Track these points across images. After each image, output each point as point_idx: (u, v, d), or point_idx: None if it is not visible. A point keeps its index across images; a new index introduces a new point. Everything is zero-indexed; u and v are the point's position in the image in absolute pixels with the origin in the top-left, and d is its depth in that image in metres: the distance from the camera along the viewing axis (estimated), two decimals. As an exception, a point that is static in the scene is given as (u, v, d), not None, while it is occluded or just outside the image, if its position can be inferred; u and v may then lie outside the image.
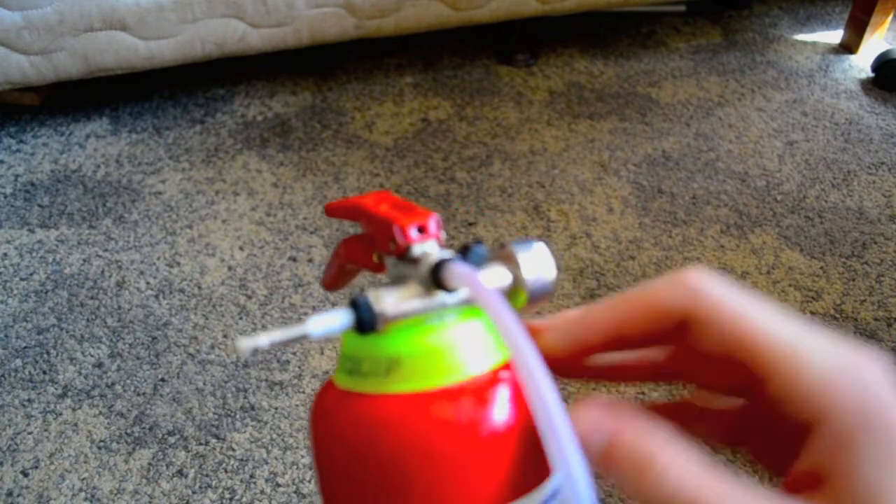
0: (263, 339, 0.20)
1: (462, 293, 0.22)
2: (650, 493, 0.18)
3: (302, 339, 0.21)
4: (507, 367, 0.23)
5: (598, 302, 0.22)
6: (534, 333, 0.22)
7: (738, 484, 0.18)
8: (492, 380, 0.22)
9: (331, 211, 0.29)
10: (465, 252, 0.23)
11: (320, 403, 0.24)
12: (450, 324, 0.22)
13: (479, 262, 0.23)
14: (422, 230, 0.23)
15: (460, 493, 0.21)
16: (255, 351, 0.20)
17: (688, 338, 0.21)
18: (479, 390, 0.21)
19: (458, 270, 0.21)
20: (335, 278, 0.32)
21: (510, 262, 0.23)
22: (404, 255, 0.23)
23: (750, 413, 0.23)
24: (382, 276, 0.26)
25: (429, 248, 0.23)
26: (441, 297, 0.22)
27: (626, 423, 0.19)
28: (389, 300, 0.22)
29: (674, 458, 0.18)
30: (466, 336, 0.22)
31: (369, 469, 0.22)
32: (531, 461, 0.22)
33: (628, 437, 0.19)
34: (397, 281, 0.23)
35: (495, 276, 0.23)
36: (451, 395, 0.21)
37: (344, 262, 0.30)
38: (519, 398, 0.22)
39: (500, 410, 0.21)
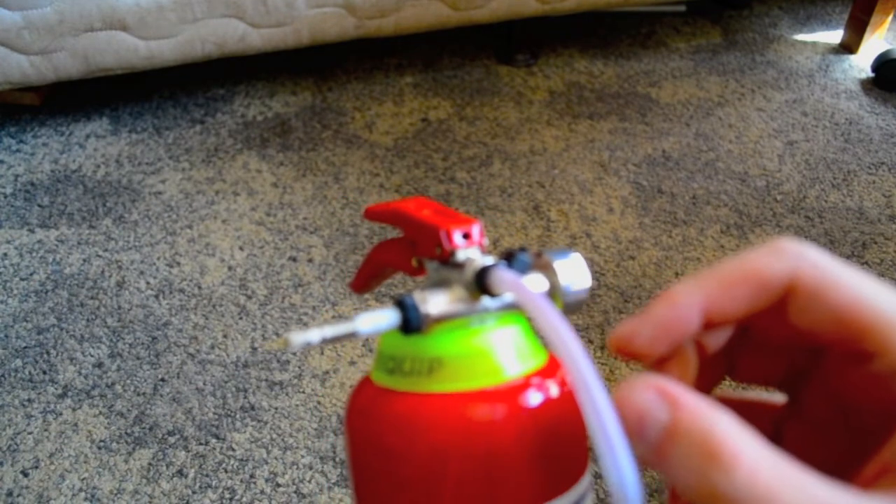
0: (315, 335, 0.20)
1: (504, 298, 0.23)
2: (717, 486, 0.15)
3: (351, 336, 0.21)
4: (543, 370, 0.23)
5: (686, 280, 0.20)
6: (625, 343, 0.20)
7: (817, 479, 0.15)
8: (530, 383, 0.22)
9: (371, 215, 0.29)
10: (509, 259, 0.23)
11: (358, 400, 0.24)
12: (491, 327, 0.23)
13: (524, 269, 0.23)
14: (466, 236, 0.24)
15: (497, 491, 0.22)
16: (307, 345, 0.20)
17: (787, 310, 0.19)
18: (519, 392, 0.22)
19: (505, 276, 0.21)
20: (367, 281, 0.32)
21: (547, 270, 0.23)
22: (448, 260, 0.24)
23: (796, 408, 0.22)
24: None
25: (472, 254, 0.24)
26: (484, 301, 0.23)
27: (687, 404, 0.17)
28: (434, 302, 0.22)
29: (744, 445, 0.16)
30: (507, 340, 0.23)
31: (407, 465, 0.22)
32: (566, 462, 0.23)
33: (691, 420, 0.16)
34: (438, 284, 0.24)
35: (534, 284, 0.23)
36: (492, 396, 0.22)
37: (381, 265, 0.30)
38: (555, 401, 0.22)
39: (538, 412, 0.22)
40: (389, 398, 0.23)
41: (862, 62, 1.64)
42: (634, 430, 0.17)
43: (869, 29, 1.64)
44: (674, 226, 1.23)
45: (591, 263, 1.16)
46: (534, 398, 0.22)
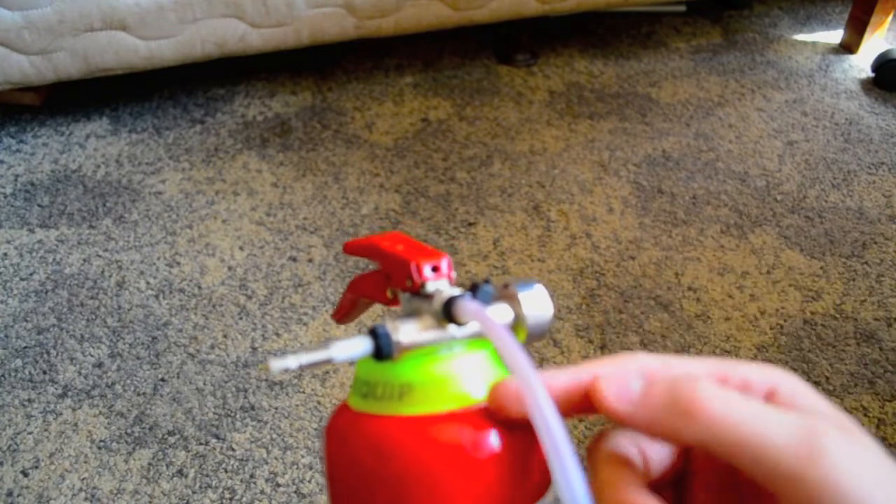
0: (292, 361, 0.22)
1: (470, 327, 0.24)
2: None
3: (326, 362, 0.23)
4: None
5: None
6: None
7: None
8: None
9: (349, 249, 0.31)
10: (474, 290, 0.25)
11: (335, 424, 0.26)
12: (458, 354, 0.24)
13: (487, 300, 0.25)
14: (435, 269, 0.26)
15: None
16: (287, 371, 0.22)
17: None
18: (482, 415, 0.23)
19: (469, 306, 0.23)
20: (347, 312, 0.34)
21: (512, 300, 0.25)
22: (419, 292, 0.26)
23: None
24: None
25: (441, 286, 0.26)
26: (451, 329, 0.24)
27: None
28: (405, 331, 0.24)
29: None
30: (472, 366, 0.24)
31: (379, 484, 0.23)
32: (528, 480, 0.24)
33: None
34: (410, 314, 0.25)
35: (499, 313, 0.25)
36: (458, 418, 0.23)
37: (358, 296, 0.33)
38: (516, 423, 0.23)
39: (500, 434, 0.23)
40: (363, 421, 0.24)
41: (862, 62, 1.64)
42: None
43: (869, 29, 1.64)
44: (674, 226, 1.23)
45: (591, 263, 1.16)
46: (496, 420, 0.23)
